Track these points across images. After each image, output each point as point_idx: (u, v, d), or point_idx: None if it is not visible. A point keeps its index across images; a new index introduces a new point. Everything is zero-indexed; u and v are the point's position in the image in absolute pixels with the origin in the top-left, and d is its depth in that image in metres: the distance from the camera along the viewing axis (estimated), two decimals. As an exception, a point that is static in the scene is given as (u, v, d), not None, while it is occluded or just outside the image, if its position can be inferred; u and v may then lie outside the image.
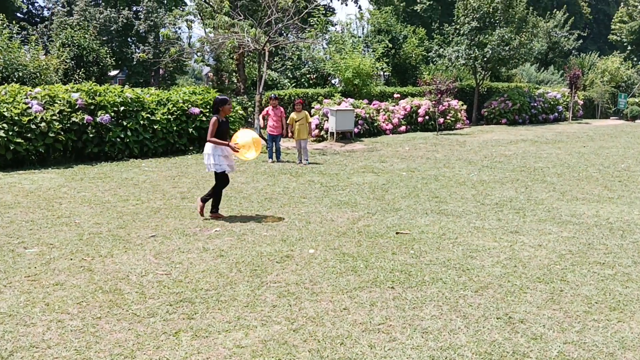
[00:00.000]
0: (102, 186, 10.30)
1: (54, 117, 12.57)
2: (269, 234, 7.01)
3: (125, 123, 13.55)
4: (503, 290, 5.00)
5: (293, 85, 23.98)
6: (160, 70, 36.21)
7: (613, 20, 48.11)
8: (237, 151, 7.73)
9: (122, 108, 13.61)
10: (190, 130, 14.76)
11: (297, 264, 5.84)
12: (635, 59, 40.96)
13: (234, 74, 24.95)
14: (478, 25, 23.33)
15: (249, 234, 6.99)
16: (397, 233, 6.95)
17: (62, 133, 12.62)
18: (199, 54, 19.24)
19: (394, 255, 6.06)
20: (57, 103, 12.87)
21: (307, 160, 13.28)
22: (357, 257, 5.99)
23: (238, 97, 21.76)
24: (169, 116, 14.46)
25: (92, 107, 13.29)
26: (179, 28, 30.39)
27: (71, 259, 6.04)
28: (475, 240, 6.55)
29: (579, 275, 5.32)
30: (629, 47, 45.20)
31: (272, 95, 14.06)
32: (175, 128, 14.50)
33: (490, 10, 23.16)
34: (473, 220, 7.50)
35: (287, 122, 13.48)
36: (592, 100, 30.40)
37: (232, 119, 15.69)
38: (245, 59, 23.68)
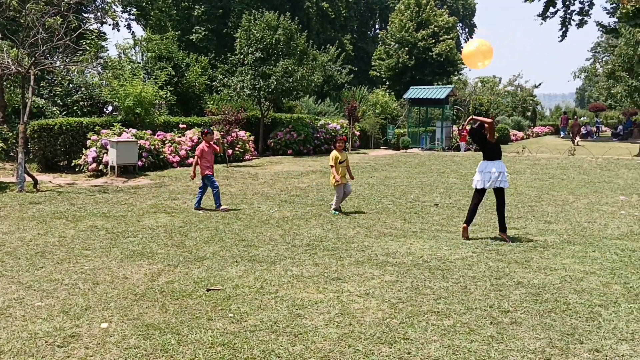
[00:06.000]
0: None
1: None
2: (45, 303, 5.52)
3: None
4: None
5: (64, 113, 21.43)
6: None
7: (373, 58, 52.38)
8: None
9: None
10: None
11: (87, 346, 4.54)
12: (393, 92, 44.82)
13: (-11, 99, 21.53)
14: (262, 56, 23.25)
15: (17, 306, 5.43)
16: (207, 290, 5.93)
17: None
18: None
19: (210, 321, 5.05)
20: None
21: (333, 206, 10.73)
22: (165, 329, 4.86)
23: (-5, 127, 18.71)
24: None
25: None
26: None
27: None
28: (298, 293, 5.82)
29: (420, 330, 4.85)
30: (387, 82, 49.53)
31: (208, 129, 11.55)
32: None
33: (273, 42, 23.25)
34: (289, 267, 6.79)
35: (330, 163, 10.62)
36: (365, 132, 32.27)
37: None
38: (5, 83, 20.57)
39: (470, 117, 8.95)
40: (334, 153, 10.68)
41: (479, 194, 8.44)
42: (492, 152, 8.33)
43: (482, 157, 8.49)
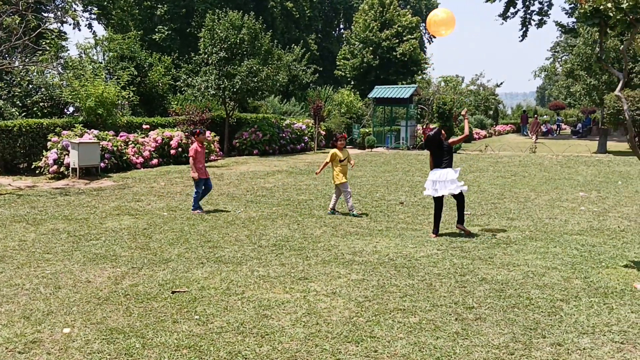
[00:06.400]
0: None
1: None
2: (5, 309, 5.39)
3: None
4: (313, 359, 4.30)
5: (23, 114, 20.90)
6: None
7: (337, 57, 52.55)
8: None
9: None
10: None
11: (49, 352, 4.44)
12: (358, 92, 45.03)
13: (-56, 100, 20.86)
14: (226, 56, 23.10)
15: (-25, 313, 5.28)
16: (173, 292, 5.87)
17: None
18: None
19: (175, 324, 4.99)
20: None
21: (353, 209, 10.33)
22: (129, 333, 4.78)
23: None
24: None
25: None
26: None
27: None
28: (264, 294, 5.80)
29: (386, 328, 4.88)
30: (352, 82, 49.75)
31: (200, 129, 11.11)
32: None
33: (237, 41, 23.12)
34: (256, 268, 6.76)
35: (328, 160, 10.40)
36: (331, 131, 32.34)
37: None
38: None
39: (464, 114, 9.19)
40: (334, 151, 10.46)
41: (438, 200, 8.50)
42: (441, 158, 8.42)
43: (433, 165, 8.55)
